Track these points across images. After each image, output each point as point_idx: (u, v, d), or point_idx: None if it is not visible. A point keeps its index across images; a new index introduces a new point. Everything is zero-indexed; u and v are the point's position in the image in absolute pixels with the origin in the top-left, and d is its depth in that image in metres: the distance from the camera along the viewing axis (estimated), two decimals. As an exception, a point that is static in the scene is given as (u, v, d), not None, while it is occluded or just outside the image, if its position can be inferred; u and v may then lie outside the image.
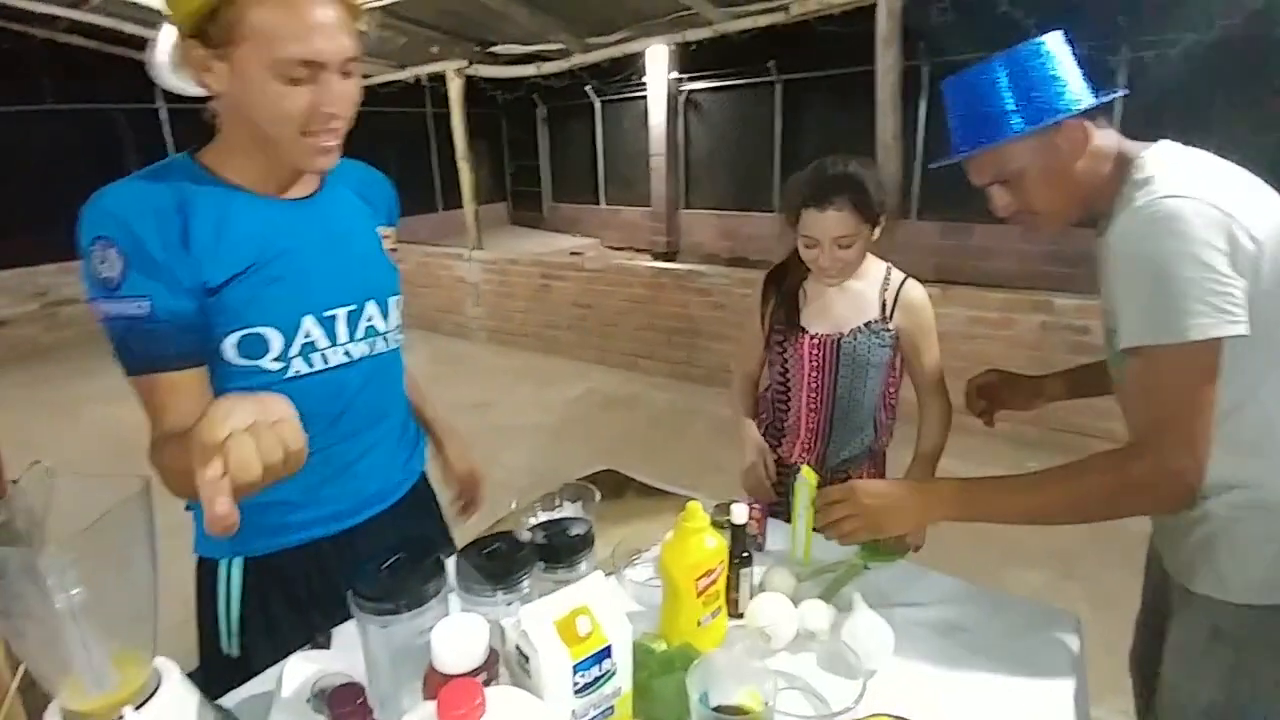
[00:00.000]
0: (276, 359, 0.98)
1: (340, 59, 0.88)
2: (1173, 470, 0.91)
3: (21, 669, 0.78)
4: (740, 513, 1.06)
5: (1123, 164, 1.00)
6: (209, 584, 1.07)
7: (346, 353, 1.05)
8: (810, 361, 1.57)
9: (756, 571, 1.10)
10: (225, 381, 0.95)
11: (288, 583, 1.08)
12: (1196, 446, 0.90)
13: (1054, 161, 1.02)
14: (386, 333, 1.11)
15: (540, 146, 11.76)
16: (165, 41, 0.92)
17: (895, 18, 3.41)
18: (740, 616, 1.05)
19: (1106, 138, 1.03)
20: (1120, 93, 1.05)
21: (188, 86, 0.95)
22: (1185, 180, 0.92)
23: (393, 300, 1.11)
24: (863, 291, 1.55)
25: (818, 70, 7.70)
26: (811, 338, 1.56)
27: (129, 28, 5.41)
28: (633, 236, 10.32)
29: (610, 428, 4.30)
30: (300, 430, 0.68)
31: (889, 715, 0.83)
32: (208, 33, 0.86)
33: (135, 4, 4.69)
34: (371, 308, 1.07)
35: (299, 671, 0.87)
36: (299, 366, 1.00)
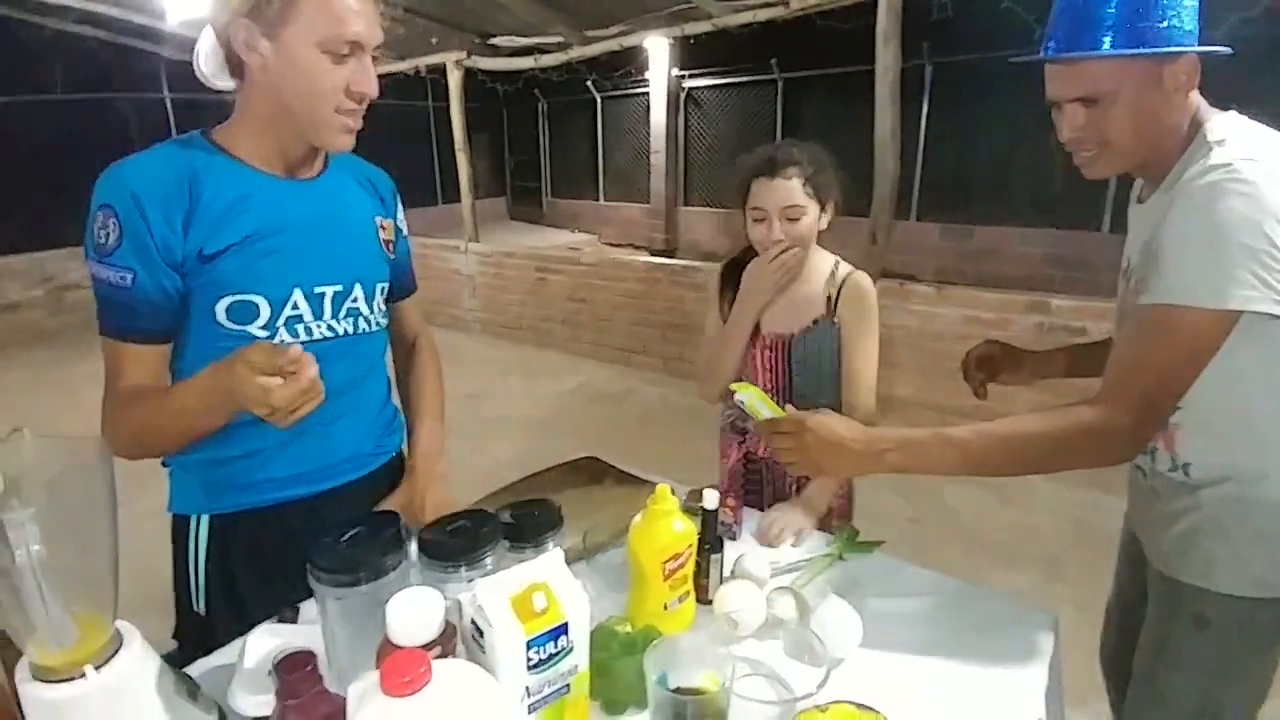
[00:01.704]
0: (263, 326, 1.04)
1: (375, 43, 0.99)
2: (1124, 427, 0.91)
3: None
4: (711, 498, 1.06)
5: (1195, 123, 0.97)
6: (181, 541, 1.11)
7: (330, 328, 1.10)
8: (763, 362, 1.51)
9: (728, 559, 1.10)
10: (215, 343, 1.00)
11: (253, 544, 1.11)
12: (1157, 415, 0.91)
13: (1153, 95, 0.95)
14: (369, 316, 1.16)
15: (540, 141, 11.75)
16: (208, 33, 1.02)
17: (895, 14, 3.40)
18: (709, 603, 1.04)
19: (1194, 92, 0.97)
20: (1225, 50, 0.96)
21: (219, 78, 1.04)
22: (1261, 148, 0.90)
23: (379, 286, 1.18)
24: (810, 289, 1.48)
25: (819, 68, 7.68)
26: (763, 338, 1.50)
27: (137, 18, 5.40)
28: (631, 233, 10.31)
29: (599, 421, 4.30)
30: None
31: (850, 702, 0.83)
32: (262, 12, 0.94)
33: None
34: (357, 290, 1.14)
35: (262, 644, 0.87)
36: (284, 335, 1.06)
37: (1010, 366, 1.38)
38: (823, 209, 1.43)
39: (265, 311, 1.03)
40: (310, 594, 0.98)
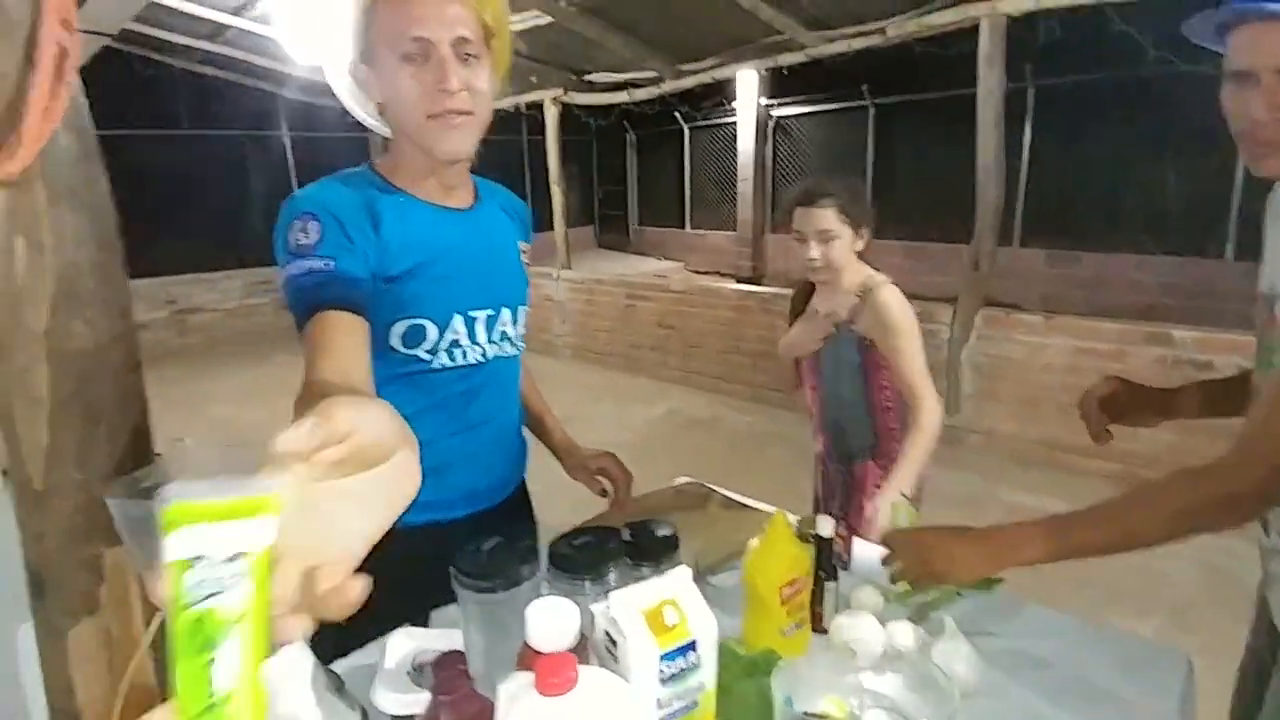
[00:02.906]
0: (429, 350, 1.08)
1: (450, 39, 0.98)
2: (1247, 493, 0.86)
3: (153, 625, 0.86)
4: (826, 525, 1.06)
5: None
6: None
7: (482, 353, 1.14)
8: (808, 366, 1.83)
9: (842, 588, 1.09)
10: (386, 368, 1.03)
11: (394, 561, 1.14)
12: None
13: None
14: (514, 338, 1.20)
15: (629, 171, 12.01)
16: (335, 81, 1.09)
17: (999, 37, 3.33)
18: (824, 631, 1.04)
19: None
20: None
21: (368, 116, 1.11)
22: None
23: (522, 309, 1.22)
24: (840, 298, 1.73)
25: (914, 93, 7.55)
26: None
27: (257, 59, 5.89)
28: (717, 261, 10.34)
29: (690, 448, 4.31)
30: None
31: None
32: (363, 50, 1.03)
33: (264, 37, 5.11)
34: (506, 314, 1.18)
35: (400, 646, 0.93)
36: (444, 359, 1.10)
37: (1136, 406, 1.25)
38: (856, 233, 1.68)
39: (432, 335, 1.08)
40: (438, 604, 1.06)
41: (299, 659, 0.78)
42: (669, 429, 4.65)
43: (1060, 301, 6.42)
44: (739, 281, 8.59)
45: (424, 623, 1.04)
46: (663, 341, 5.54)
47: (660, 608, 0.74)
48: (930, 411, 1.62)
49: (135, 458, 0.81)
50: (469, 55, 1.00)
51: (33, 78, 0.69)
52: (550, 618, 0.73)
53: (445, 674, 0.67)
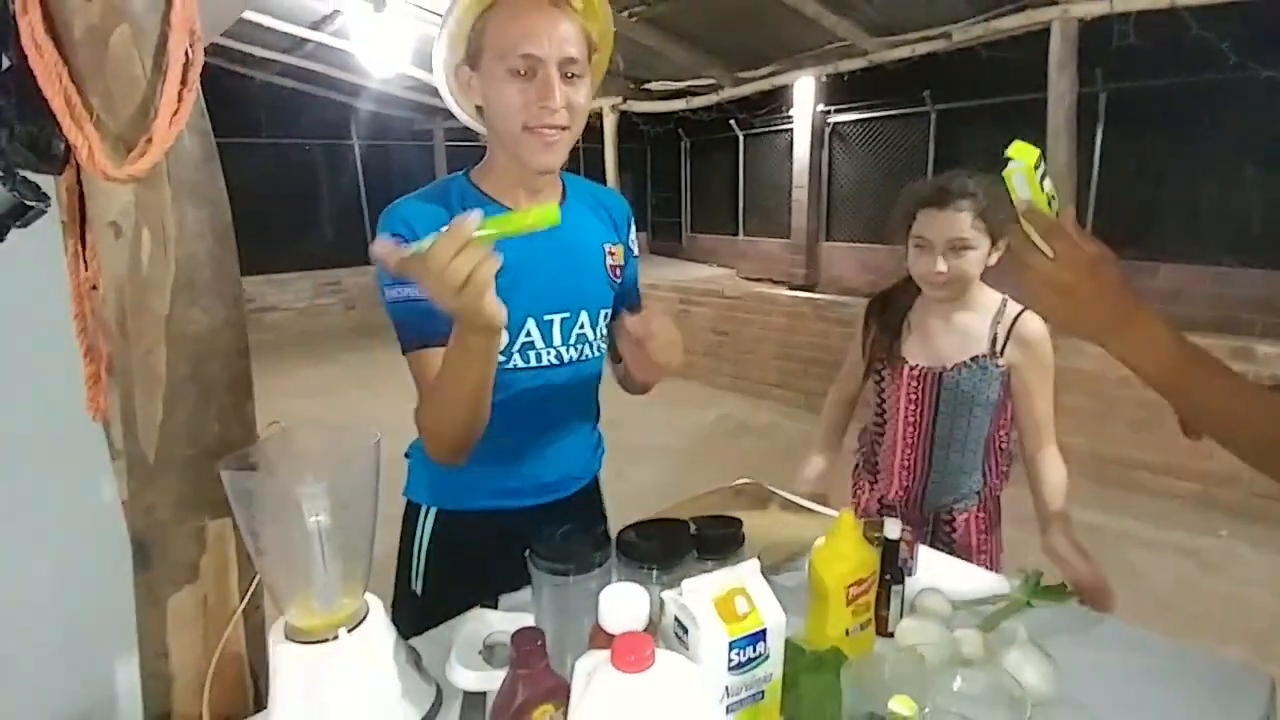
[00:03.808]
0: (502, 352, 1.10)
1: (557, 58, 1.01)
2: None
3: (249, 594, 0.92)
4: (893, 528, 1.06)
5: None
6: (410, 525, 1.24)
7: (557, 355, 1.16)
8: (908, 395, 1.49)
9: (906, 594, 1.08)
10: None
11: (467, 541, 1.21)
12: None
13: None
14: (593, 341, 1.21)
15: (682, 178, 12.04)
16: (441, 84, 1.13)
17: (1071, 41, 3.25)
18: (889, 635, 1.04)
19: None
20: None
21: (468, 116, 1.15)
22: None
23: (603, 312, 1.22)
24: (971, 323, 1.44)
25: (977, 99, 7.38)
26: (911, 369, 1.48)
27: (335, 72, 6.13)
28: (770, 268, 10.27)
29: (742, 454, 4.30)
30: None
31: None
32: (469, 53, 1.06)
33: (340, 50, 5.33)
34: (584, 317, 1.18)
35: (473, 626, 0.97)
36: (516, 360, 1.13)
37: None
38: (994, 245, 1.38)
39: (503, 338, 1.08)
40: (511, 587, 1.10)
41: (383, 632, 0.83)
42: (721, 434, 4.65)
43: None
44: (792, 289, 8.53)
45: (494, 605, 1.08)
46: (716, 348, 5.54)
47: (730, 596, 0.76)
48: (1057, 457, 1.44)
49: (241, 436, 0.86)
50: (573, 74, 1.03)
51: (162, 84, 0.76)
52: (623, 601, 0.75)
53: (523, 649, 0.70)
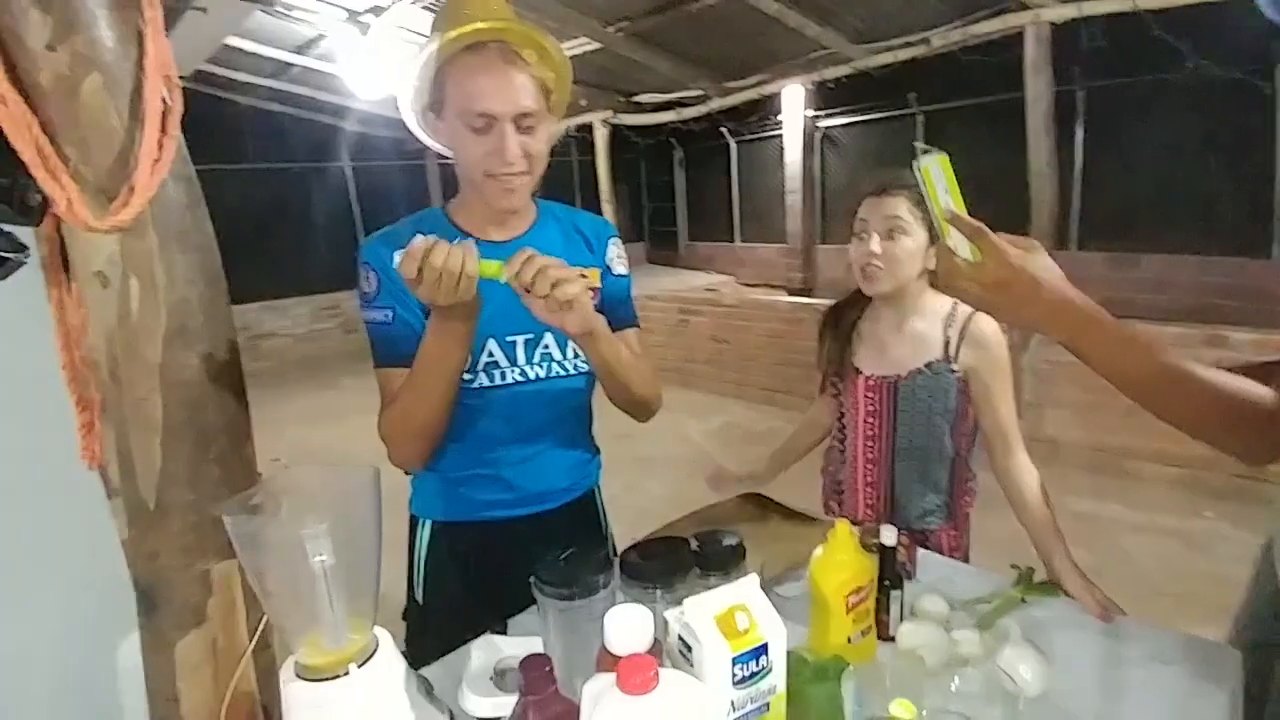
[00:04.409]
0: (466, 371, 1.15)
1: (512, 114, 1.07)
2: None
3: (256, 634, 0.93)
4: (889, 534, 1.07)
5: None
6: (412, 538, 1.31)
7: (522, 373, 1.20)
8: (865, 406, 1.45)
9: (906, 597, 1.09)
10: None
11: (460, 551, 1.28)
12: None
13: None
14: (563, 361, 1.23)
15: (677, 188, 12.09)
16: (412, 125, 1.20)
17: (1044, 44, 3.29)
18: (890, 639, 1.05)
19: None
20: None
21: (441, 148, 1.21)
22: None
23: None
24: (922, 329, 1.41)
25: (961, 99, 7.42)
26: (866, 379, 1.45)
27: (321, 95, 6.18)
28: (767, 273, 10.30)
29: (747, 460, 4.28)
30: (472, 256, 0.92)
31: None
32: (433, 102, 1.13)
33: (326, 73, 5.37)
34: (548, 338, 1.22)
35: (482, 653, 0.98)
36: (482, 379, 1.18)
37: None
38: (931, 241, 1.34)
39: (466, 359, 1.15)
40: (505, 596, 1.13)
41: (393, 664, 0.84)
42: (725, 442, 4.66)
43: (1124, 305, 6.17)
44: (790, 293, 8.55)
45: (503, 629, 1.09)
46: (716, 355, 5.56)
47: (731, 613, 0.77)
48: (1028, 463, 1.35)
49: (242, 478, 0.87)
50: (528, 126, 1.10)
51: (140, 133, 0.76)
52: (627, 623, 0.76)
53: (532, 675, 0.71)
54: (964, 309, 1.39)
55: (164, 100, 0.78)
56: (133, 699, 1.01)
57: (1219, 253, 5.86)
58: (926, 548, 1.41)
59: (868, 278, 1.38)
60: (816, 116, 9.17)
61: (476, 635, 1.07)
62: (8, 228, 0.78)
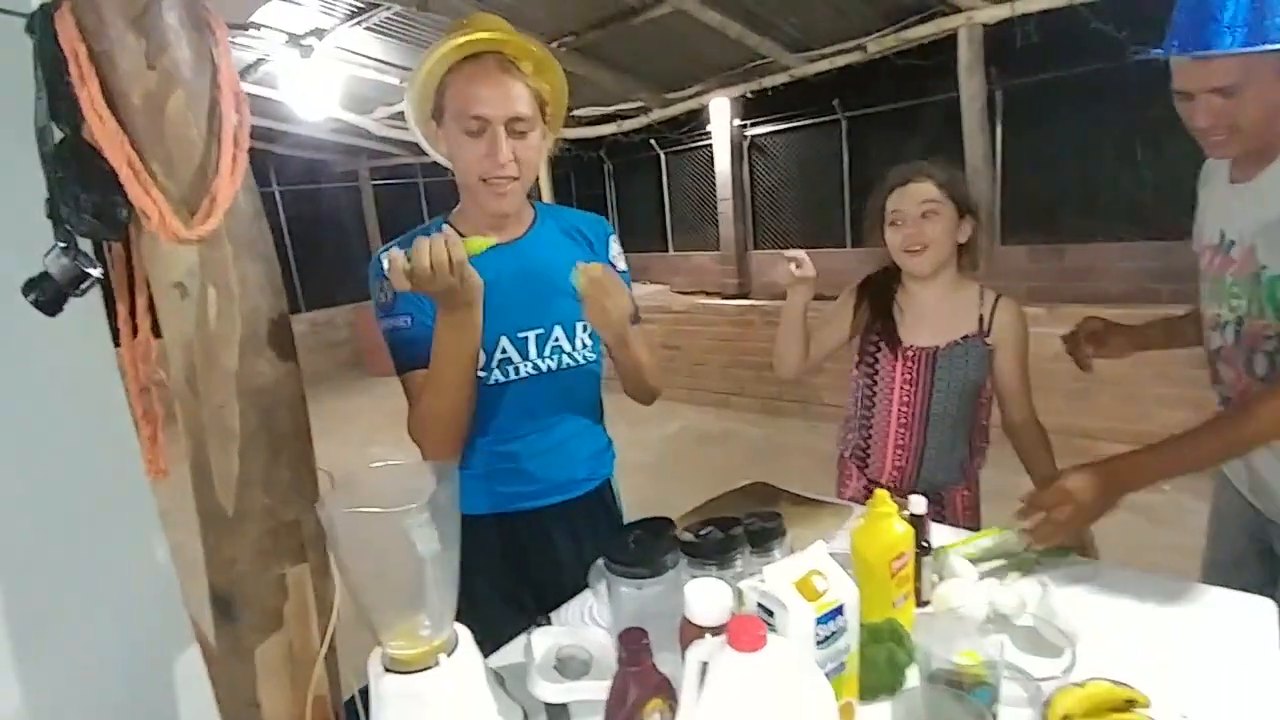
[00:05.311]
0: (483, 368, 1.22)
1: (503, 118, 1.15)
2: None
3: (328, 635, 0.93)
4: (919, 503, 1.14)
5: None
6: None
7: (534, 367, 1.27)
8: (903, 375, 1.58)
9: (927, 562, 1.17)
10: None
11: (486, 542, 1.31)
12: None
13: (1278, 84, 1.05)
14: (573, 352, 1.31)
15: (608, 199, 12.18)
16: (418, 137, 1.27)
17: (977, 45, 3.51)
18: (925, 603, 1.12)
19: None
20: None
21: (441, 158, 1.28)
22: None
23: (579, 325, 1.32)
24: (958, 306, 1.57)
25: (884, 104, 7.78)
26: (905, 349, 1.58)
27: (256, 120, 5.97)
28: (702, 280, 10.47)
29: (709, 463, 4.39)
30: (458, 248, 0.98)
31: (1104, 679, 0.88)
32: (435, 110, 1.21)
33: (265, 98, 5.22)
34: (558, 331, 1.29)
35: (543, 642, 1.00)
36: (497, 375, 1.25)
37: (1114, 341, 1.54)
38: (961, 218, 1.51)
39: (481, 357, 1.20)
40: (538, 597, 1.21)
41: (475, 655, 0.85)
42: (684, 446, 4.73)
43: (1049, 294, 6.60)
44: (725, 299, 8.73)
45: (546, 620, 1.11)
46: (667, 362, 5.64)
47: (809, 577, 0.82)
48: (1036, 416, 1.59)
49: (309, 481, 0.88)
50: (521, 131, 1.17)
51: (218, 145, 0.78)
52: (709, 595, 0.81)
53: (632, 648, 0.74)
54: (990, 293, 1.58)
55: (239, 115, 0.80)
56: (192, 711, 1.00)
57: (1145, 238, 6.32)
58: (943, 508, 1.60)
59: (913, 259, 1.52)
60: (744, 125, 9.43)
61: (506, 626, 1.11)
62: (83, 245, 0.78)
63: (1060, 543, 1.16)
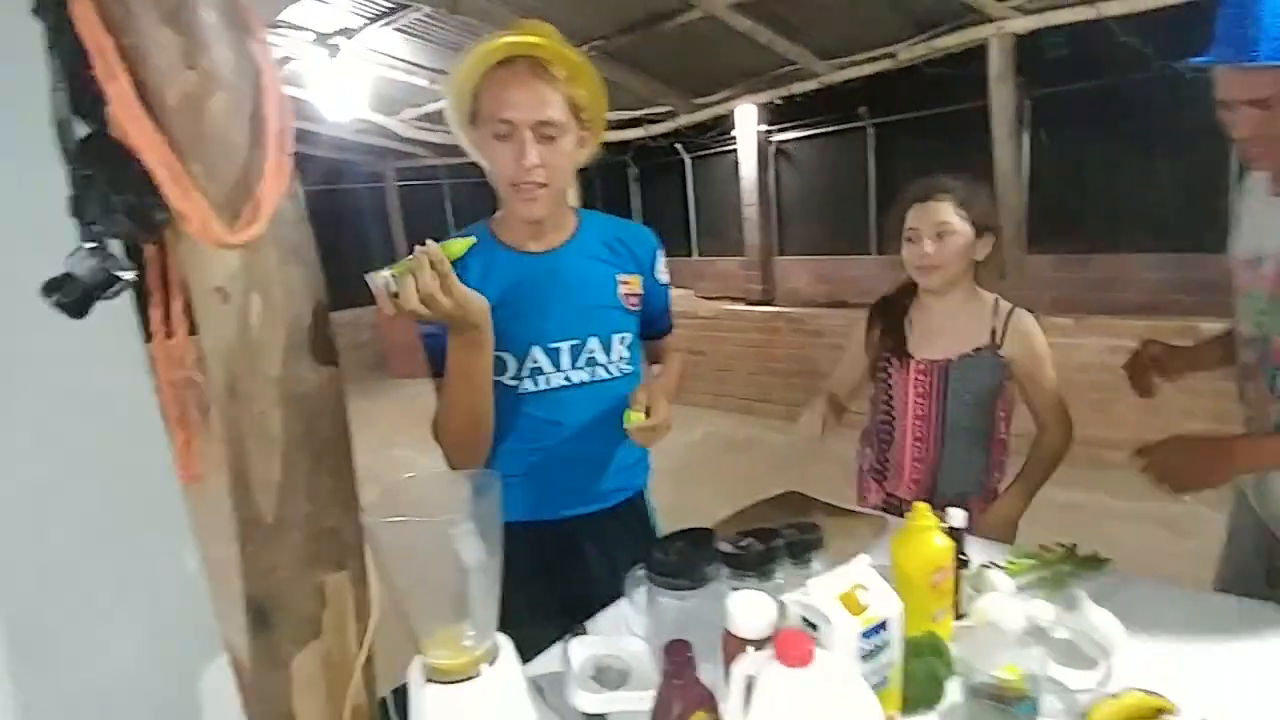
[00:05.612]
0: (513, 377, 1.23)
1: (530, 121, 1.14)
2: None
3: (366, 644, 0.93)
4: (958, 516, 1.12)
5: None
6: None
7: (566, 378, 1.27)
8: (915, 388, 1.58)
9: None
10: None
11: (518, 552, 1.27)
12: None
13: None
14: (607, 364, 1.31)
15: (633, 205, 12.19)
16: (461, 141, 1.26)
17: (1008, 54, 3.47)
18: (962, 616, 1.09)
19: None
20: None
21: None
22: None
23: (617, 337, 1.31)
24: (971, 318, 1.57)
25: (911, 111, 7.71)
26: (917, 363, 1.58)
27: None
28: (727, 286, 10.43)
29: (733, 470, 4.36)
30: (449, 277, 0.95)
31: (1139, 689, 0.86)
32: (471, 114, 1.21)
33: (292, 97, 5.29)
34: (593, 343, 1.29)
35: (579, 652, 0.99)
36: (527, 385, 1.25)
37: (1175, 364, 1.50)
38: (978, 235, 1.51)
39: (512, 365, 1.23)
40: (569, 607, 1.17)
41: (515, 664, 0.85)
42: (708, 453, 4.71)
43: (1074, 304, 6.48)
44: (749, 304, 8.69)
45: (583, 630, 1.10)
46: (693, 367, 5.61)
47: (853, 591, 0.81)
48: (1071, 429, 1.58)
49: (350, 488, 0.88)
50: (549, 136, 1.15)
51: (262, 150, 0.78)
52: (752, 607, 0.80)
53: (676, 660, 0.73)
54: (1005, 304, 1.56)
55: (282, 119, 0.79)
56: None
57: (1171, 249, 6.20)
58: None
59: (924, 276, 1.55)
60: (769, 131, 9.40)
61: (535, 635, 1.08)
62: (113, 248, 0.78)
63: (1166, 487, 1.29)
